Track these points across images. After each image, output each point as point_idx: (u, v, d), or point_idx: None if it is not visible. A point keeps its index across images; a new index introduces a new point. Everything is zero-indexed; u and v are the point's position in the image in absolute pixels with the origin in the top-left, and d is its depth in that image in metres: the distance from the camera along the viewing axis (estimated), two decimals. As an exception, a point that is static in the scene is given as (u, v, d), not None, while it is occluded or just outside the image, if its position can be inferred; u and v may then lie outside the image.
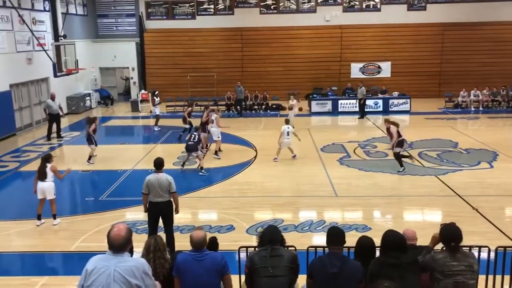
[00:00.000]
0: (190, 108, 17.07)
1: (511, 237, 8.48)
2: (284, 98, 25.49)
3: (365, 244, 4.74)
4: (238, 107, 22.46)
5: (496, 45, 25.54)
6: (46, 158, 9.49)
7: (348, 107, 22.25)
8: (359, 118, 21.08)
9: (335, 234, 4.42)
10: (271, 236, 4.61)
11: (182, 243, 7.39)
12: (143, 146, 17.35)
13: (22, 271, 7.88)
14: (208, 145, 15.35)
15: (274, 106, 23.67)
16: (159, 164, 7.81)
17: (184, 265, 4.53)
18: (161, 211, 7.68)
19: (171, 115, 22.19)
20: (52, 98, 17.52)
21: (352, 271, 4.26)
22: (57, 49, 18.93)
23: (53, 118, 17.33)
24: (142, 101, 23.99)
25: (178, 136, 16.88)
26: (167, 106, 23.56)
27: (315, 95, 23.69)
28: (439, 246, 4.64)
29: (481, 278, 5.36)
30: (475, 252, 5.34)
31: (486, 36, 25.55)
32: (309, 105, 22.94)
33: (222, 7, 26.59)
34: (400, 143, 12.63)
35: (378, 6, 26.24)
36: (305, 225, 9.20)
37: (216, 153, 14.78)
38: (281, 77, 26.38)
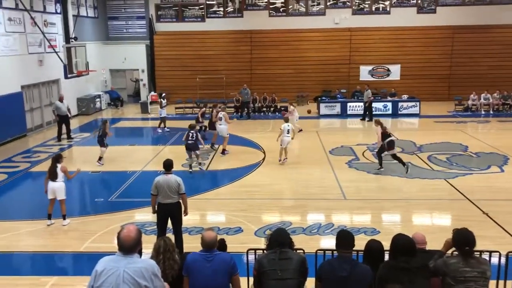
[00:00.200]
0: (204, 109, 17.27)
1: (522, 242, 8.39)
2: (293, 100, 25.51)
3: (374, 247, 4.72)
4: (245, 109, 22.51)
5: (507, 48, 25.36)
6: (57, 158, 9.59)
7: (357, 110, 22.16)
8: (361, 119, 21.02)
9: (345, 237, 4.41)
10: (279, 238, 4.61)
11: (191, 244, 7.42)
12: (152, 147, 17.44)
13: (32, 271, 7.95)
14: (217, 146, 15.40)
15: (282, 109, 23.63)
16: (168, 165, 7.85)
17: (194, 264, 4.57)
18: (170, 213, 7.72)
19: (180, 116, 22.27)
20: (61, 100, 17.70)
21: (361, 275, 4.24)
22: (68, 51, 19.15)
23: (62, 119, 17.51)
24: (151, 102, 24.10)
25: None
26: (176, 108, 23.67)
27: (324, 98, 23.67)
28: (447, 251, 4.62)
29: (492, 283, 5.30)
30: (485, 256, 5.29)
31: (496, 39, 25.37)
32: (318, 108, 22.90)
33: (232, 9, 26.67)
34: (390, 143, 12.62)
35: (388, 9, 26.16)
36: (314, 228, 9.18)
37: (223, 151, 14.98)
38: (290, 80, 26.38)
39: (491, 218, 9.52)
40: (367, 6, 26.21)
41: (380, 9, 26.21)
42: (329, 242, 7.63)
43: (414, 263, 4.25)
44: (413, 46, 25.79)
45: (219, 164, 14.17)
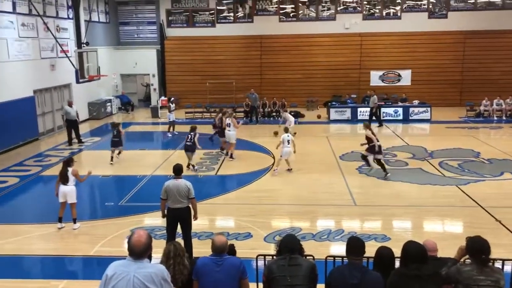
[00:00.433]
0: (220, 114, 17.30)
1: (536, 250, 8.25)
2: (303, 105, 25.52)
3: (384, 254, 4.67)
4: (254, 113, 22.54)
5: (519, 53, 25.11)
6: (68, 162, 9.67)
7: (368, 115, 22.05)
8: (378, 126, 20.88)
9: (355, 244, 4.36)
10: (289, 245, 4.58)
11: (200, 249, 7.43)
12: (162, 151, 17.50)
13: (42, 274, 7.99)
14: (229, 153, 15.40)
15: (292, 113, 23.56)
16: (178, 170, 7.87)
17: (204, 268, 4.57)
18: (179, 217, 7.72)
19: (190, 121, 22.34)
20: (70, 104, 17.86)
21: (372, 283, 4.19)
22: (80, 56, 19.32)
23: (71, 124, 17.68)
24: (162, 107, 24.24)
25: (210, 137, 17.11)
26: (186, 113, 23.76)
27: (334, 103, 23.60)
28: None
29: (505, 292, 5.22)
30: (498, 265, 5.21)
31: (509, 44, 25.13)
32: (328, 113, 22.84)
33: (242, 15, 26.77)
34: (372, 148, 12.78)
35: (399, 14, 26.06)
36: (323, 234, 9.13)
37: (231, 155, 15.12)
38: (300, 85, 26.36)
39: (504, 226, 9.39)
40: (377, 11, 26.15)
41: (391, 14, 26.13)
42: (339, 249, 7.58)
43: (426, 271, 4.19)
44: (424, 51, 25.64)
45: (228, 169, 14.17)
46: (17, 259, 8.43)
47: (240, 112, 23.21)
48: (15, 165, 14.99)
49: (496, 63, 25.34)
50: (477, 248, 4.27)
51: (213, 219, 10.24)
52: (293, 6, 26.46)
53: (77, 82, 19.25)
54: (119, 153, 15.26)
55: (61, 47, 19.81)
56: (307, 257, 5.04)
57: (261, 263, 6.06)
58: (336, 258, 5.76)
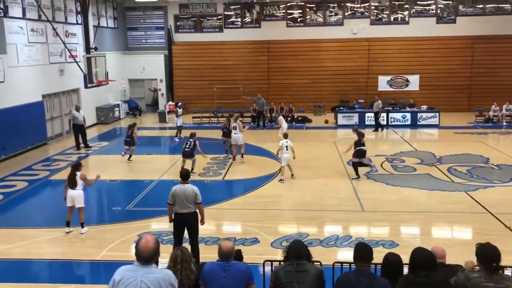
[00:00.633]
0: (228, 117, 17.48)
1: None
2: (311, 110, 25.48)
3: (392, 261, 4.62)
4: (261, 118, 22.55)
5: (529, 59, 24.93)
6: (76, 166, 9.73)
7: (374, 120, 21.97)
8: (374, 131, 20.83)
9: (363, 250, 4.32)
10: (297, 250, 4.55)
11: (207, 254, 7.40)
12: (169, 156, 17.54)
13: (50, 279, 8.02)
14: (241, 156, 15.59)
15: (299, 118, 23.62)
16: (185, 175, 7.88)
17: (211, 273, 4.56)
18: (186, 222, 7.71)
19: (197, 126, 22.40)
20: (77, 109, 18.00)
21: (380, 289, 4.15)
22: (88, 61, 19.44)
23: (77, 128, 17.81)
24: (169, 112, 24.33)
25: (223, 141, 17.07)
26: (193, 118, 23.83)
27: (341, 108, 23.56)
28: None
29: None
30: (508, 272, 5.15)
31: (517, 49, 24.99)
32: (336, 118, 22.79)
33: (249, 20, 26.85)
34: (360, 152, 13.12)
35: (407, 19, 26.00)
36: (331, 239, 9.08)
37: (242, 156, 15.47)
38: (307, 90, 26.34)
39: (513, 232, 9.29)
40: (385, 16, 26.11)
41: (399, 19, 26.08)
42: (346, 255, 7.53)
43: (434, 278, 4.14)
44: (432, 56, 25.53)
45: (235, 174, 14.17)
46: (25, 263, 8.47)
47: (247, 117, 23.22)
48: (23, 169, 15.09)
49: (505, 68, 25.17)
50: (487, 255, 4.21)
51: (220, 224, 10.23)
52: (300, 11, 26.50)
53: (86, 87, 19.36)
54: (130, 157, 15.60)
55: (70, 52, 19.97)
56: (315, 263, 5.01)
57: (268, 268, 6.03)
58: (343, 264, 5.72)
